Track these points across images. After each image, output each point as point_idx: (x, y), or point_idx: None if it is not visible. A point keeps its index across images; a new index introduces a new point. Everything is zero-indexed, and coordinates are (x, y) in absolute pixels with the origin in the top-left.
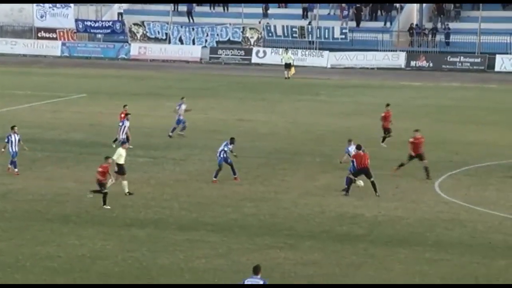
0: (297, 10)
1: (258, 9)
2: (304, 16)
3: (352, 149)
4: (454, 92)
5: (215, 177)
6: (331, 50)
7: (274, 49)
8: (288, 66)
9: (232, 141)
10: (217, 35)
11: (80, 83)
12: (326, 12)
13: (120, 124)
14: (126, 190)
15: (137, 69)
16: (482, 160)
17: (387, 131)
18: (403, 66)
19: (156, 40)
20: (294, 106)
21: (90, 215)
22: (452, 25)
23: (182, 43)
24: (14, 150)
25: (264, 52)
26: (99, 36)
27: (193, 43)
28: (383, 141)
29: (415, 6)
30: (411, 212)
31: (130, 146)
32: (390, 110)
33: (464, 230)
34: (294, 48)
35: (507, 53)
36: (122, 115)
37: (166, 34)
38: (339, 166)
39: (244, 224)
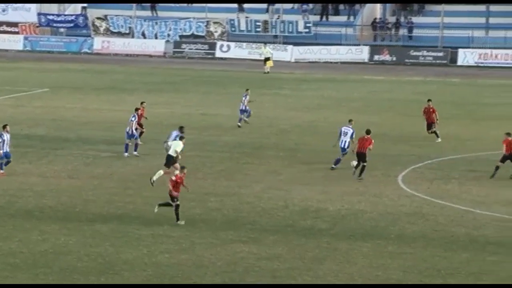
0: (261, 4)
1: (221, 4)
2: (268, 10)
3: (348, 130)
4: (417, 86)
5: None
6: (295, 44)
7: (238, 43)
8: (267, 59)
9: (181, 130)
10: (181, 29)
11: (43, 77)
12: (290, 6)
13: (133, 119)
14: (154, 178)
15: (100, 64)
16: (445, 154)
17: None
18: (366, 60)
19: (119, 34)
20: (258, 100)
21: (53, 211)
22: (415, 19)
23: (145, 37)
24: (5, 150)
25: (228, 46)
26: (61, 30)
27: (157, 37)
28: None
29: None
30: (374, 206)
31: (141, 142)
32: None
33: (426, 224)
34: (258, 43)
35: (470, 47)
36: (140, 112)
37: (130, 28)
38: (303, 160)
39: (208, 219)
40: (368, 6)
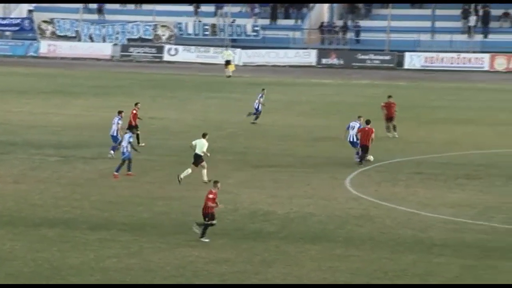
0: (209, 7)
1: (170, 7)
2: (216, 13)
3: (356, 124)
4: (364, 89)
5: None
6: (243, 47)
7: (186, 46)
8: (228, 63)
9: (131, 130)
10: (128, 32)
11: None
12: (238, 10)
13: (119, 122)
14: (182, 176)
15: (47, 67)
16: (392, 156)
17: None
18: (314, 64)
19: (66, 37)
20: (205, 104)
21: None
22: (362, 23)
23: (92, 40)
24: None
25: (176, 50)
26: (7, 33)
27: (104, 41)
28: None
29: (326, 3)
30: (322, 209)
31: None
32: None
33: (374, 226)
34: (206, 46)
35: (416, 51)
36: (135, 113)
37: (76, 31)
38: (252, 163)
39: (156, 223)
40: (316, 9)
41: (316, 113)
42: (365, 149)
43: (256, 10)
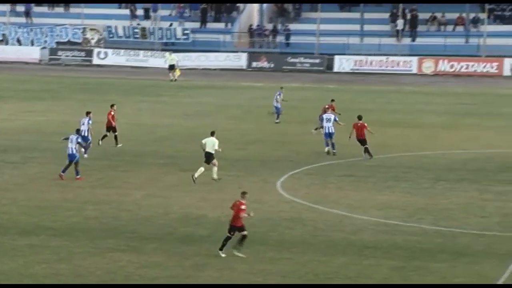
0: (139, 11)
1: (99, 10)
2: (146, 16)
3: (331, 116)
4: (294, 92)
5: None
6: (173, 51)
7: (116, 50)
8: (172, 67)
9: (78, 131)
10: (57, 35)
11: None
12: (168, 13)
13: (90, 121)
14: (196, 175)
15: None
16: (322, 159)
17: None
18: (244, 67)
19: None
20: (136, 108)
21: None
22: (292, 26)
23: (20, 44)
24: None
25: (106, 53)
26: None
27: (32, 44)
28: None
29: (256, 7)
30: (253, 212)
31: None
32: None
33: (305, 229)
34: (136, 49)
35: (345, 54)
36: (113, 114)
37: (3, 35)
38: (183, 167)
39: (86, 228)
40: (246, 13)
41: (247, 116)
42: (363, 142)
43: (184, 13)
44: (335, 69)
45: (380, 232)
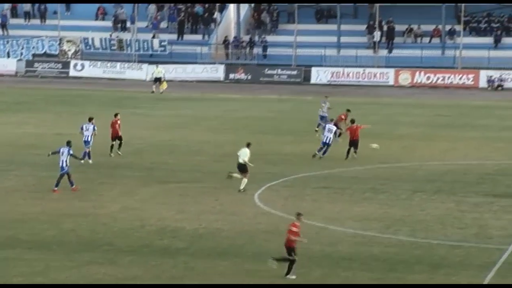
0: (115, 22)
1: (75, 22)
2: (123, 28)
3: (333, 128)
4: (272, 104)
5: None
6: (150, 63)
7: (93, 62)
8: (157, 80)
9: (69, 143)
10: (33, 47)
11: None
12: (145, 25)
13: (94, 128)
14: (242, 187)
15: None
16: (299, 171)
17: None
18: (222, 79)
19: None
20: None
21: None
22: (269, 38)
23: None
24: None
25: (82, 65)
26: None
27: (8, 56)
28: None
29: (233, 19)
30: (231, 224)
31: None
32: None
33: (282, 241)
34: (112, 61)
35: (322, 66)
36: (119, 123)
37: None
38: (160, 179)
39: (63, 241)
40: (223, 25)
41: (225, 128)
42: (355, 144)
43: (163, 25)
44: (312, 81)
45: (357, 243)
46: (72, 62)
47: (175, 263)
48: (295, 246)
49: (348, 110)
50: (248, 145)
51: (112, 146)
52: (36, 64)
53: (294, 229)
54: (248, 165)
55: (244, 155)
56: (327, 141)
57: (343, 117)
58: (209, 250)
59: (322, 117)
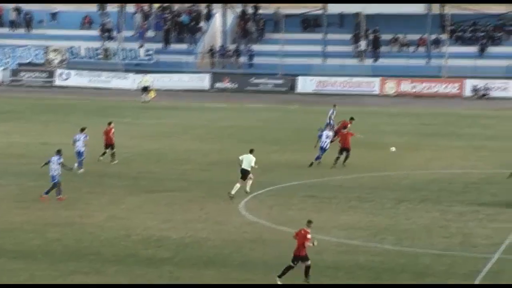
0: (101, 31)
1: (61, 31)
2: (109, 37)
3: (330, 134)
4: (258, 113)
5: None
6: (136, 72)
7: (78, 71)
8: (145, 89)
9: (59, 152)
10: (19, 56)
11: None
12: (131, 34)
13: (86, 138)
14: (233, 192)
15: None
16: (285, 180)
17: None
18: (208, 88)
19: None
20: (99, 129)
21: None
22: (255, 47)
23: None
24: None
25: (68, 74)
26: None
27: None
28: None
29: (219, 28)
30: (217, 234)
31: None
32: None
33: (268, 250)
34: (98, 70)
35: (308, 75)
36: (113, 131)
37: None
38: (146, 188)
39: (48, 250)
40: (209, 34)
41: (211, 137)
42: (346, 150)
43: (149, 34)
44: (298, 90)
45: (343, 252)
46: (58, 71)
47: (160, 272)
48: (305, 254)
49: (352, 119)
50: (251, 151)
51: (104, 153)
52: (21, 73)
53: (309, 236)
54: (254, 168)
55: (249, 161)
56: (325, 146)
57: (348, 125)
58: (195, 260)
59: (327, 124)
